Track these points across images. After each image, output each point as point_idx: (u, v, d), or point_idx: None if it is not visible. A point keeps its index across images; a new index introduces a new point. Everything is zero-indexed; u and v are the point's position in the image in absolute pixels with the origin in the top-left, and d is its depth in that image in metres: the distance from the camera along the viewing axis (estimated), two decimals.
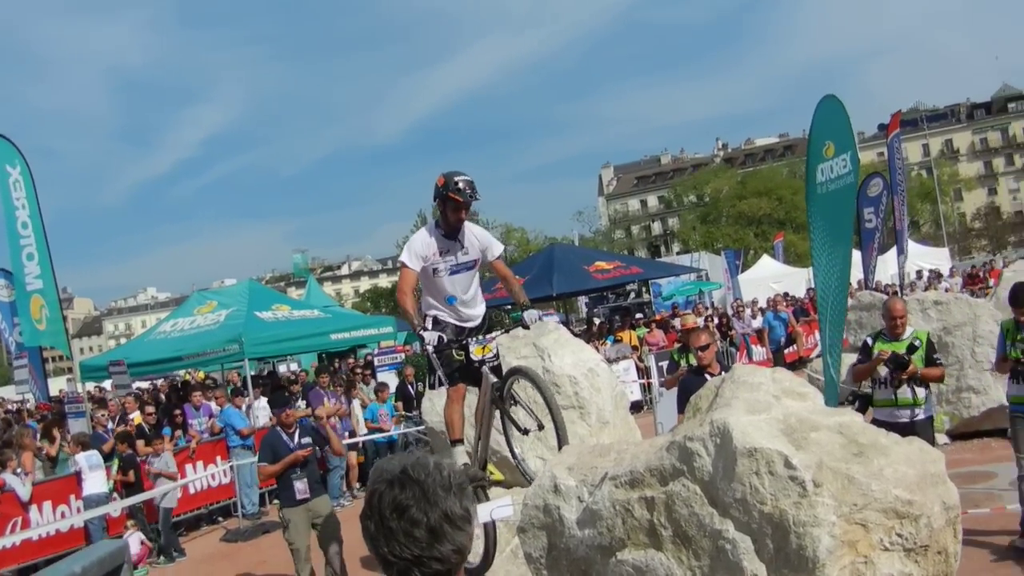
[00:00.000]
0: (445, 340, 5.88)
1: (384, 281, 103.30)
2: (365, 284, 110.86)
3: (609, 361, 14.72)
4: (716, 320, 22.48)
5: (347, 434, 14.27)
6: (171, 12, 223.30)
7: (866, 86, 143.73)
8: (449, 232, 5.99)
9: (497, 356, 6.16)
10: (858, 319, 12.75)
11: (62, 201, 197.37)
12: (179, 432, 14.19)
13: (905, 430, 6.18)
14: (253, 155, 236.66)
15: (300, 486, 8.26)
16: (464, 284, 6.15)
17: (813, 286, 14.33)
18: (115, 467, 12.17)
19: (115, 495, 11.84)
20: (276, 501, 11.11)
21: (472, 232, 6.15)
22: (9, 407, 24.14)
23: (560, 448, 5.56)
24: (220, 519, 14.01)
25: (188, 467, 13.41)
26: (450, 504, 1.81)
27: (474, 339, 6.06)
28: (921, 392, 7.36)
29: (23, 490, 11.06)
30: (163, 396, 19.37)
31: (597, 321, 21.34)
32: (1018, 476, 7.36)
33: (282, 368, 26.56)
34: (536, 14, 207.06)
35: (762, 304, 25.54)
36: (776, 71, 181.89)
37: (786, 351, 22.41)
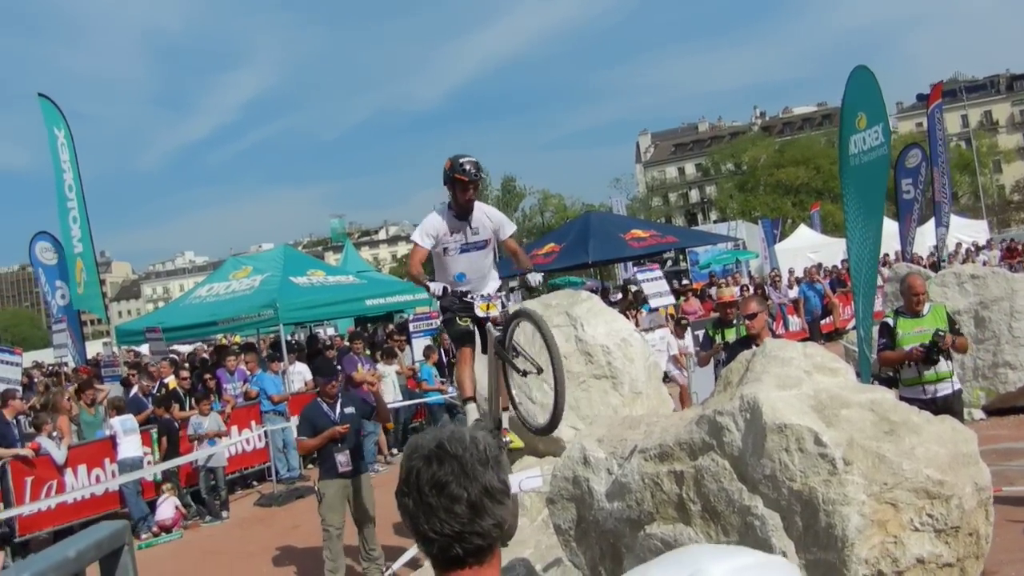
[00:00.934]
0: (450, 290, 6.11)
1: None
2: (403, 249, 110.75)
3: (644, 331, 14.65)
4: (752, 291, 22.27)
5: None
6: None
7: (905, 55, 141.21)
8: (460, 213, 6.24)
9: (505, 313, 6.27)
10: (895, 291, 12.55)
11: (98, 166, 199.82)
12: (213, 396, 14.34)
13: (935, 406, 6.12)
14: (291, 120, 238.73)
15: (342, 459, 8.00)
16: (474, 262, 6.37)
17: (847, 257, 14.18)
18: (155, 433, 12.40)
19: (149, 460, 11.96)
20: (313, 467, 10.94)
21: (484, 213, 6.37)
22: (47, 370, 24.56)
23: (556, 388, 5.70)
24: (255, 483, 14.20)
25: None
26: (489, 478, 1.80)
27: (479, 296, 6.17)
28: (946, 366, 7.25)
29: (58, 453, 11.14)
30: (201, 360, 19.55)
31: (633, 289, 21.19)
32: None
33: (320, 332, 26.76)
34: None
35: (799, 274, 25.31)
36: (815, 39, 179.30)
37: (822, 322, 22.23)
